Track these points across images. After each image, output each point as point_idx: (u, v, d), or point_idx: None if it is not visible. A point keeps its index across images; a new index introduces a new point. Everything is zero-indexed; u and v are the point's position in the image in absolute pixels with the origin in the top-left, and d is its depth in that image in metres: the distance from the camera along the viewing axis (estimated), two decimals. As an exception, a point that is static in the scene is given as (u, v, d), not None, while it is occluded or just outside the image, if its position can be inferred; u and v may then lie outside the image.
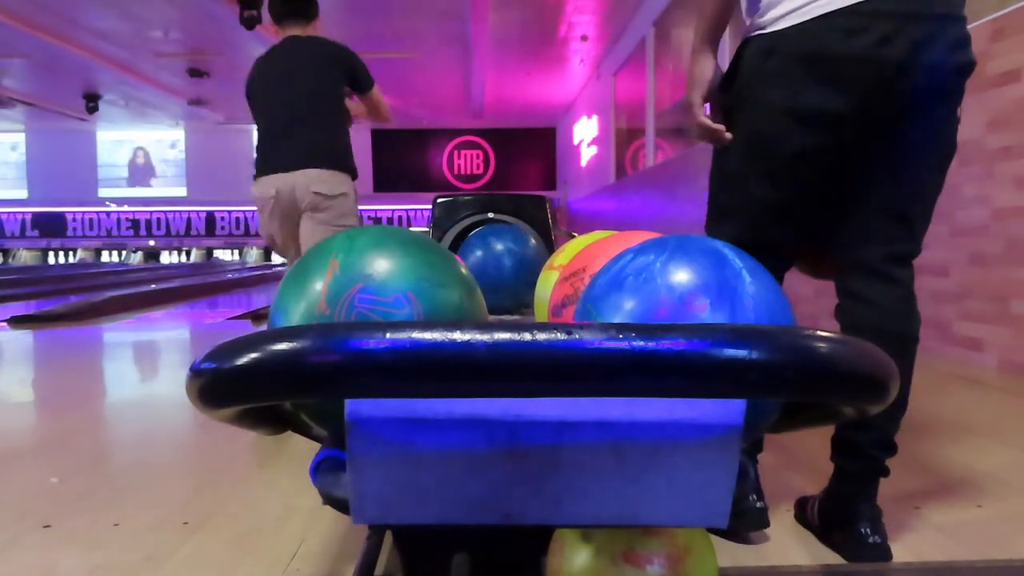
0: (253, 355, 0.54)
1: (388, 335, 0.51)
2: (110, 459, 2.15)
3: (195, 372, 0.57)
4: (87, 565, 1.34)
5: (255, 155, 2.79)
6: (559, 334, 0.51)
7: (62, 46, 10.11)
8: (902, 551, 1.34)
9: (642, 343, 0.51)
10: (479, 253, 2.30)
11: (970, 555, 1.35)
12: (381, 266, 0.85)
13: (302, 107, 2.70)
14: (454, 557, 0.83)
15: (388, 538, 1.20)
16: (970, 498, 1.64)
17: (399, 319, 0.83)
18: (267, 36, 9.39)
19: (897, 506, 1.56)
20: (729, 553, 1.33)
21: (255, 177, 2.75)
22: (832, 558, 1.34)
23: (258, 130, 2.79)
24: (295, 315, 0.85)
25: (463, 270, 0.96)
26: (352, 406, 0.59)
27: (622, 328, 0.52)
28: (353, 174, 2.80)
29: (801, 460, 1.84)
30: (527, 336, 0.51)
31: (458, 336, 0.51)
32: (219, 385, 0.56)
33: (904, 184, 1.27)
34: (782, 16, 1.22)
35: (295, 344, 0.53)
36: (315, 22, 2.94)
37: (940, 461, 1.92)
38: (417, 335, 0.51)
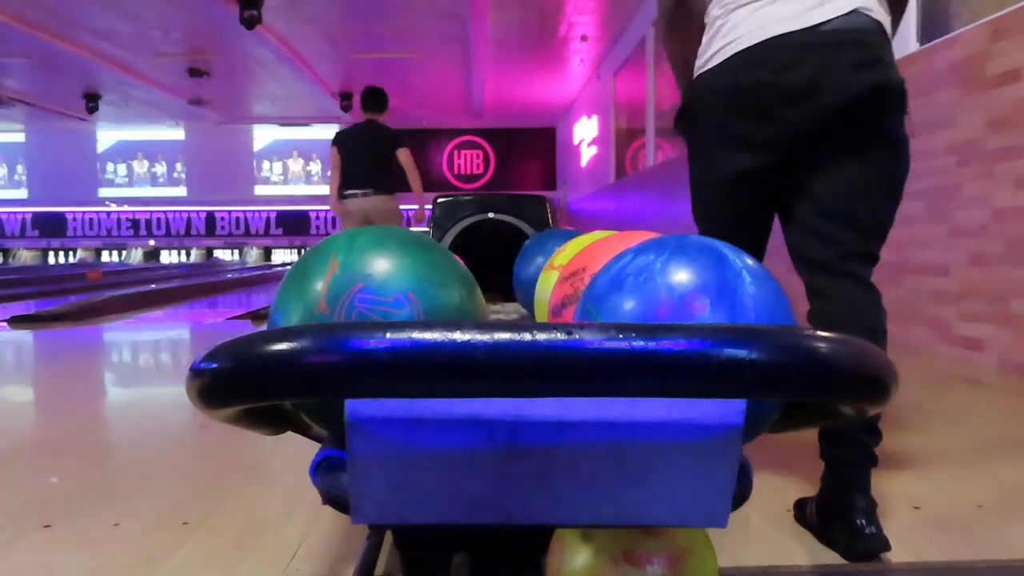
0: (253, 355, 0.53)
1: (388, 335, 0.51)
2: (110, 459, 2.15)
3: (195, 372, 0.56)
4: (87, 565, 1.34)
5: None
6: (559, 334, 0.51)
7: (62, 46, 10.11)
8: (902, 551, 1.34)
9: (642, 343, 0.51)
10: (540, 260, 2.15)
11: (970, 555, 1.35)
12: (381, 266, 0.85)
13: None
14: (454, 557, 0.83)
15: (388, 538, 1.20)
16: (970, 498, 1.64)
17: (399, 319, 0.83)
18: (267, 36, 9.41)
19: (897, 506, 1.56)
20: (729, 553, 1.33)
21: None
22: (832, 558, 1.34)
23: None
24: (295, 315, 0.85)
25: (463, 270, 0.96)
26: (352, 406, 0.59)
27: (622, 328, 0.52)
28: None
29: (801, 460, 1.84)
30: (527, 336, 0.51)
31: (458, 336, 0.51)
32: (219, 385, 0.56)
33: (843, 193, 1.38)
34: (711, 56, 1.42)
35: (295, 344, 0.53)
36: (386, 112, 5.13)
37: (940, 461, 1.92)
38: (417, 335, 0.51)
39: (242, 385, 0.55)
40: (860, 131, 1.34)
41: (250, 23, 7.86)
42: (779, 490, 1.61)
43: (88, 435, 2.39)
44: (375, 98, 5.17)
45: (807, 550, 1.37)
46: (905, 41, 3.90)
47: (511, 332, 0.51)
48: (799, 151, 1.37)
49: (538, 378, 0.52)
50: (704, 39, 1.45)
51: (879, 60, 1.33)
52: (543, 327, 0.52)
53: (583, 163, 13.87)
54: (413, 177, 5.05)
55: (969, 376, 3.11)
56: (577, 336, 0.51)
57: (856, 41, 1.32)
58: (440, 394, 0.55)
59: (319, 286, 0.85)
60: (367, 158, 4.98)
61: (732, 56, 1.36)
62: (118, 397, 3.19)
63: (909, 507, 1.57)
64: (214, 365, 0.55)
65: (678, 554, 0.76)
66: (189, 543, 1.41)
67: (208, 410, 0.59)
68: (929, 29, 3.81)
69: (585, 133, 13.41)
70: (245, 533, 1.47)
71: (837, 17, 1.31)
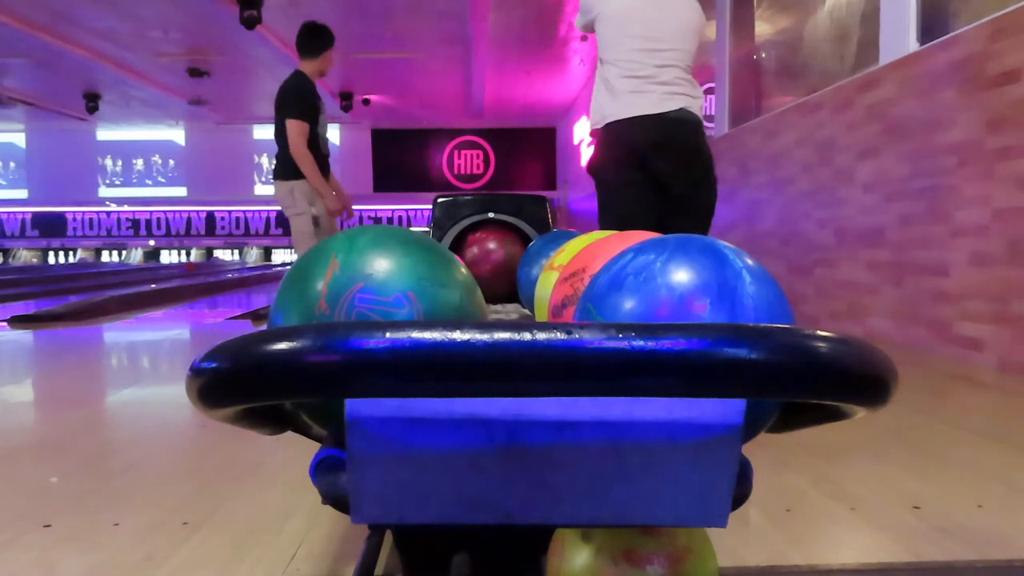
0: (253, 355, 0.53)
1: (388, 335, 0.51)
2: (110, 459, 2.15)
3: (195, 372, 0.56)
4: (87, 565, 1.34)
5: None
6: (559, 334, 0.51)
7: (62, 46, 10.11)
8: (902, 551, 1.34)
9: (642, 343, 0.51)
10: None
11: (970, 555, 1.35)
12: (381, 265, 0.85)
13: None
14: (454, 557, 0.83)
15: (388, 538, 1.20)
16: (970, 498, 1.64)
17: (399, 319, 0.83)
18: (267, 36, 9.40)
19: (897, 506, 1.56)
20: (729, 553, 1.33)
21: None
22: (832, 558, 1.34)
23: None
24: (295, 315, 0.85)
25: (463, 270, 0.96)
26: (352, 406, 0.59)
27: (622, 328, 0.52)
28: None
29: (801, 460, 1.84)
30: (527, 336, 0.51)
31: (458, 336, 0.51)
32: (219, 385, 0.56)
33: (684, 203, 2.64)
34: (604, 119, 2.64)
35: (295, 344, 0.53)
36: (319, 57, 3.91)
37: (940, 461, 1.92)
38: (417, 335, 0.51)
39: (242, 385, 0.55)
40: (692, 173, 2.58)
41: (250, 23, 7.87)
42: (779, 490, 1.61)
43: (88, 435, 2.39)
44: (305, 36, 3.86)
45: (807, 550, 1.38)
46: (905, 41, 3.90)
47: (511, 332, 0.51)
48: (661, 178, 2.55)
49: (538, 378, 0.52)
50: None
51: (700, 138, 2.61)
52: (543, 327, 0.52)
53: (583, 163, 13.88)
54: (301, 164, 3.63)
55: (969, 376, 3.11)
56: (577, 336, 0.51)
57: (688, 126, 2.57)
58: (440, 394, 0.55)
59: (319, 286, 0.85)
60: (276, 124, 3.66)
61: (615, 121, 2.57)
62: (118, 397, 3.19)
63: (909, 507, 1.57)
64: (214, 365, 0.55)
65: (678, 554, 0.76)
66: (189, 543, 1.41)
67: (208, 410, 0.59)
68: (929, 29, 3.81)
69: (585, 133, 13.41)
70: (245, 533, 1.47)
71: (675, 111, 2.54)
